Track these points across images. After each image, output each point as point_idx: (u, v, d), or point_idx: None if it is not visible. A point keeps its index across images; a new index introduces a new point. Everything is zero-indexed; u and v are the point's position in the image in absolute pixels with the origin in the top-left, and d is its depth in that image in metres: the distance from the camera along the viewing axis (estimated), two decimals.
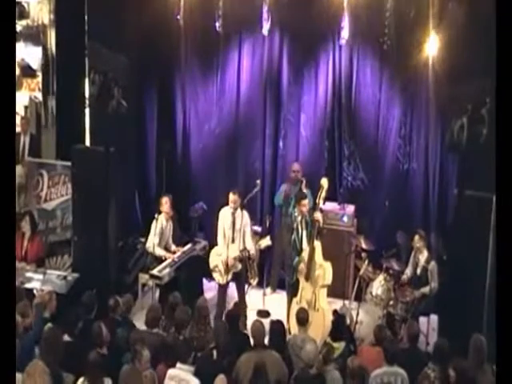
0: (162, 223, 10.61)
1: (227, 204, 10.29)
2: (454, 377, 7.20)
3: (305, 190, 10.72)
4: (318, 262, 9.84)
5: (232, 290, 10.59)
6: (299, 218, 10.05)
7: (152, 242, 10.57)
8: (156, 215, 10.52)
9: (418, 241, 10.11)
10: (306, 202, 10.04)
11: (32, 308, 8.33)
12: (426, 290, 9.97)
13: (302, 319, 8.58)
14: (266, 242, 10.55)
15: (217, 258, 10.30)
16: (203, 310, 8.62)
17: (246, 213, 10.37)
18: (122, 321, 8.54)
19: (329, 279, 9.90)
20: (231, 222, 10.22)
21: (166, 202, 10.60)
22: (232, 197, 10.16)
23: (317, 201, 10.02)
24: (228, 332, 8.16)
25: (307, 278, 9.87)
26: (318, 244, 9.88)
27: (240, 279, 10.47)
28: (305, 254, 9.89)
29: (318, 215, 9.90)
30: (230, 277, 10.27)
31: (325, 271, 9.83)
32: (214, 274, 10.39)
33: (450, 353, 7.61)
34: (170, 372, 7.27)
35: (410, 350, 8.11)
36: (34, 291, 9.51)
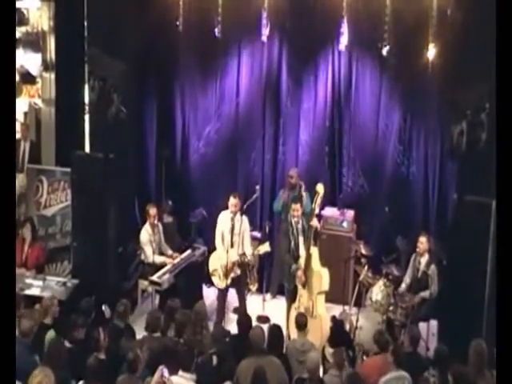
0: (148, 233, 10.66)
1: (227, 209, 10.29)
2: (452, 382, 7.20)
3: (304, 194, 10.73)
4: (314, 269, 9.84)
5: (232, 295, 10.59)
6: (295, 224, 10.06)
7: (147, 253, 10.60)
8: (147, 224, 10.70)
9: (424, 242, 10.09)
10: (297, 206, 10.04)
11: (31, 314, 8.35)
12: (425, 294, 9.98)
13: (301, 324, 8.57)
14: (265, 247, 10.54)
15: (216, 262, 10.30)
16: (201, 315, 8.61)
17: (245, 218, 10.37)
18: (122, 326, 8.54)
19: (326, 286, 9.90)
20: (230, 226, 10.23)
21: (153, 214, 10.67)
22: (232, 200, 10.17)
23: (312, 206, 10.03)
24: (232, 339, 8.15)
25: (304, 284, 9.87)
26: (314, 250, 9.89)
27: (239, 284, 10.47)
28: (302, 261, 9.90)
29: (314, 221, 9.91)
30: (228, 281, 10.27)
31: (322, 278, 9.83)
32: (213, 278, 10.40)
33: (449, 358, 7.60)
34: (172, 380, 7.24)
35: (411, 354, 8.10)
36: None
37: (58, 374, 7.08)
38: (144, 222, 10.86)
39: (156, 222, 10.78)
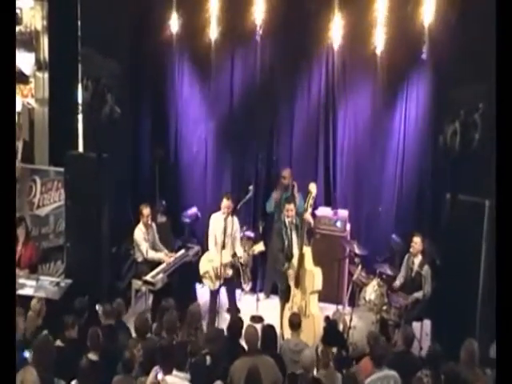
0: (142, 231, 10.65)
1: (218, 210, 10.29)
2: (445, 381, 7.22)
3: (297, 195, 10.75)
4: (307, 269, 9.86)
5: (225, 296, 10.59)
6: (288, 224, 10.06)
7: (143, 250, 10.58)
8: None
9: (417, 243, 10.11)
10: (291, 206, 10.05)
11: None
12: (419, 294, 10.00)
13: (295, 324, 8.59)
14: (259, 247, 10.56)
15: (207, 264, 10.30)
16: (195, 315, 8.62)
17: (235, 218, 10.39)
18: (116, 326, 8.54)
19: (318, 285, 9.92)
20: (223, 228, 10.22)
21: (146, 214, 10.65)
22: (225, 202, 10.17)
23: (305, 206, 10.04)
24: (225, 339, 8.16)
25: (297, 284, 9.88)
26: (307, 250, 9.90)
27: (231, 285, 10.47)
28: (294, 261, 9.90)
29: (307, 216, 9.91)
30: (221, 282, 10.27)
31: (314, 277, 9.85)
32: (205, 280, 10.39)
33: (442, 357, 7.62)
34: (166, 379, 7.23)
35: (404, 354, 8.11)
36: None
37: (46, 372, 7.10)
38: (137, 222, 10.85)
39: (149, 221, 10.76)
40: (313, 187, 10.12)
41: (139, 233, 10.65)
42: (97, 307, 8.74)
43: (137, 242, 10.66)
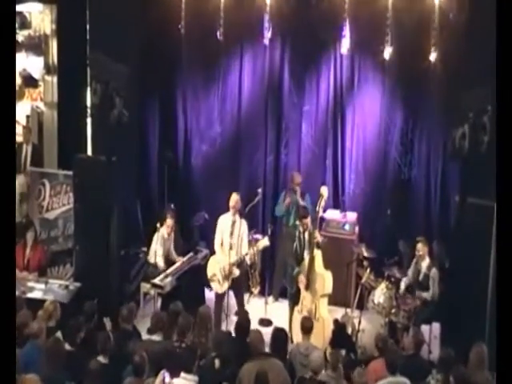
0: (163, 235, 10.63)
1: (227, 211, 10.30)
2: None
3: (300, 199, 10.74)
4: (317, 272, 9.84)
5: (233, 298, 10.59)
6: (301, 229, 10.04)
7: (154, 253, 10.57)
8: (158, 226, 10.58)
9: (420, 248, 10.11)
10: (307, 220, 10.00)
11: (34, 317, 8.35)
12: (426, 295, 9.97)
13: (307, 328, 8.56)
14: (263, 242, 10.49)
15: (215, 266, 10.30)
16: (205, 318, 8.61)
17: (244, 221, 10.40)
18: (127, 329, 8.56)
19: (329, 288, 9.90)
20: (230, 229, 10.25)
21: (170, 218, 10.66)
22: (235, 197, 10.18)
23: (317, 209, 10.03)
24: (234, 342, 8.15)
25: (307, 287, 9.87)
26: (318, 253, 9.87)
27: (238, 285, 10.47)
28: (305, 264, 9.89)
29: (317, 235, 9.88)
30: (228, 284, 10.28)
31: (324, 281, 9.83)
32: (212, 284, 10.39)
33: (452, 361, 7.60)
34: (174, 382, 7.24)
35: (414, 358, 8.09)
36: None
37: (56, 375, 7.10)
38: (145, 225, 10.84)
39: (174, 226, 10.74)
40: (324, 190, 10.10)
41: (160, 236, 10.63)
42: (104, 320, 8.72)
43: (153, 243, 10.64)
